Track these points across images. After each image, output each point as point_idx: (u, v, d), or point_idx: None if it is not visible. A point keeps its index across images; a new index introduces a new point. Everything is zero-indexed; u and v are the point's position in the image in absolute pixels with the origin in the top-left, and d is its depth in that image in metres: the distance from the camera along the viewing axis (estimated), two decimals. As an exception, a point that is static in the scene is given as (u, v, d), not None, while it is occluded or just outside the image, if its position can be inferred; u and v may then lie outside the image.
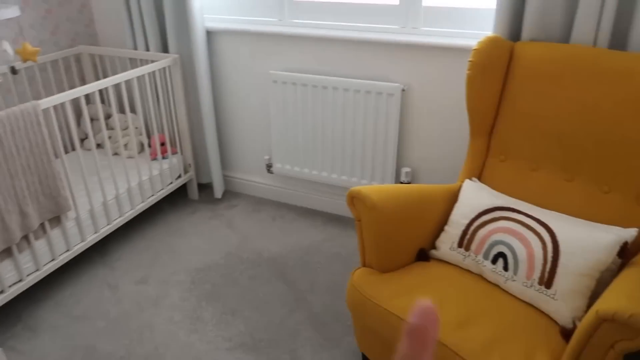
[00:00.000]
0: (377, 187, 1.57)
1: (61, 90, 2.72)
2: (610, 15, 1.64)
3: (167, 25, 2.47)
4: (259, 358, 1.78)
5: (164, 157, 2.63)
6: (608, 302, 1.10)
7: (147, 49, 2.59)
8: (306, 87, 2.36)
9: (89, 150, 2.72)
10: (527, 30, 1.79)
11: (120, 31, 2.78)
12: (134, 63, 2.68)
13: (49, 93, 2.66)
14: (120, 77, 2.22)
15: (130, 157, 2.62)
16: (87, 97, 2.84)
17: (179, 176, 2.69)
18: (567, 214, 1.58)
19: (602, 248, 1.37)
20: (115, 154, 2.67)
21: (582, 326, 1.13)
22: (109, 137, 2.71)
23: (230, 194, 2.88)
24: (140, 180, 2.41)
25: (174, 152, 2.69)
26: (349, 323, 1.93)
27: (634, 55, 1.54)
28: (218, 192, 2.78)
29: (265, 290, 2.11)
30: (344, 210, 2.63)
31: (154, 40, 2.53)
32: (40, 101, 1.87)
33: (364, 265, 1.60)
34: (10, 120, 1.77)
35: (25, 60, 2.05)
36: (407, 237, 1.61)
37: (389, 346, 1.49)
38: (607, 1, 1.63)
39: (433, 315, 0.63)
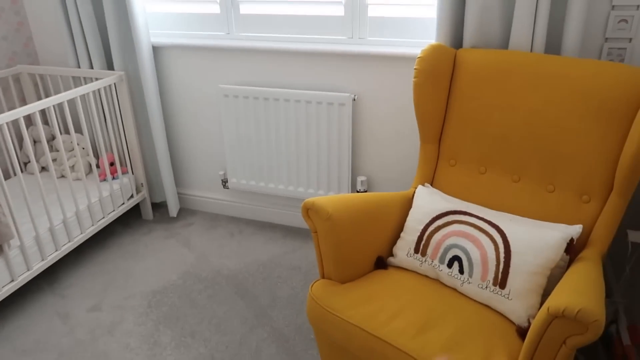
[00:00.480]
0: (332, 197, 1.57)
1: (0, 112, 2.59)
2: (544, 22, 1.72)
3: (111, 41, 2.40)
4: (221, 379, 1.74)
5: (114, 178, 2.54)
6: (558, 299, 1.13)
7: (91, 67, 2.51)
8: (257, 99, 2.34)
9: (32, 174, 2.59)
10: (468, 38, 1.84)
11: (61, 49, 2.69)
12: (77, 81, 2.59)
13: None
14: (63, 96, 2.14)
15: (77, 179, 2.52)
16: (29, 118, 2.72)
17: (131, 196, 2.61)
18: (516, 214, 1.63)
19: (550, 246, 1.41)
20: (62, 176, 2.56)
21: (534, 324, 1.16)
22: (54, 160, 2.60)
23: (185, 211, 2.82)
24: (89, 203, 2.32)
25: (125, 172, 2.61)
26: (312, 337, 1.91)
27: (567, 60, 1.61)
28: (173, 210, 2.71)
29: (225, 309, 2.07)
30: (303, 222, 2.61)
31: (97, 57, 2.46)
32: (-26, 125, 1.77)
33: (323, 277, 1.59)
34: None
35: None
36: (364, 246, 1.61)
37: (351, 358, 1.48)
38: (540, 9, 1.70)
39: None
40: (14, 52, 2.64)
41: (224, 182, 2.65)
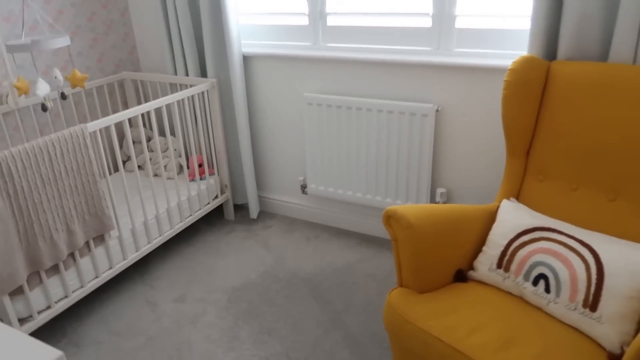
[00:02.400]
0: (413, 206, 1.58)
1: (105, 114, 2.85)
2: (651, 33, 1.62)
3: (206, 51, 2.56)
4: (295, 378, 1.79)
5: (201, 178, 2.70)
6: (658, 326, 1.06)
7: (187, 74, 2.69)
8: (340, 108, 2.40)
9: (131, 171, 2.81)
10: (563, 50, 1.78)
11: (160, 58, 2.91)
12: (173, 88, 2.79)
13: (94, 117, 2.78)
14: (161, 101, 2.31)
15: (169, 178, 2.70)
16: (130, 121, 2.96)
17: (216, 197, 2.76)
18: (610, 235, 1.54)
19: (649, 270, 1.33)
20: (156, 175, 2.76)
21: (629, 353, 1.10)
22: (150, 159, 2.81)
23: (265, 214, 2.93)
24: (179, 201, 2.48)
25: (211, 174, 2.76)
26: (386, 345, 1.91)
27: (677, 73, 1.51)
28: (253, 212, 2.83)
29: (300, 310, 2.12)
30: (379, 231, 2.62)
31: (193, 65, 2.63)
32: (87, 124, 1.96)
33: (401, 285, 1.59)
34: (60, 143, 1.86)
35: (74, 86, 2.17)
36: (444, 257, 1.60)
37: (427, 368, 1.47)
38: (646, 19, 1.61)
39: None
40: (120, 59, 2.90)
41: (303, 188, 2.73)
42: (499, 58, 2.06)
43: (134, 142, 2.87)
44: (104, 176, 2.11)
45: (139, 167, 2.87)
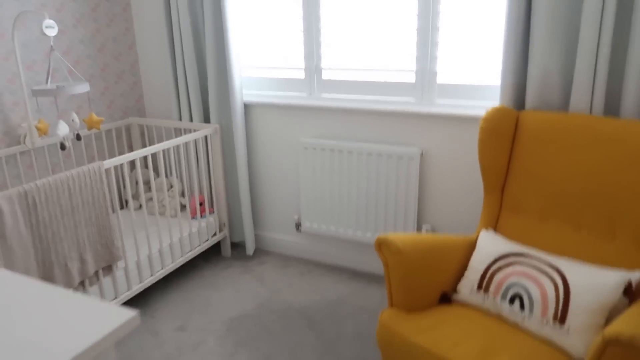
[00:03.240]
0: (402, 234, 1.77)
1: (112, 156, 3.03)
2: (602, 87, 1.89)
3: (210, 99, 2.80)
4: (292, 399, 1.89)
5: (202, 216, 2.86)
6: (613, 327, 1.25)
7: (191, 120, 2.91)
8: (333, 152, 2.62)
9: (138, 209, 2.96)
10: (529, 101, 2.05)
11: (165, 105, 3.14)
12: (177, 132, 3.00)
13: (102, 158, 2.96)
14: (170, 143, 2.51)
15: (172, 216, 2.86)
16: (132, 163, 3.14)
17: (215, 234, 2.91)
18: (575, 260, 1.74)
19: (608, 287, 1.52)
20: (154, 213, 2.91)
21: (590, 350, 1.27)
22: (155, 198, 2.97)
23: (260, 251, 3.08)
24: (181, 237, 2.63)
25: (211, 212, 2.93)
26: (377, 368, 2.04)
27: (625, 122, 1.77)
28: (250, 249, 2.98)
29: (296, 339, 2.24)
30: (368, 266, 2.79)
31: (197, 112, 2.86)
32: (104, 162, 2.15)
33: (391, 305, 1.76)
34: (80, 177, 2.04)
35: (90, 128, 2.36)
36: (430, 281, 1.77)
37: (416, 381, 1.61)
38: (598, 74, 1.89)
39: None
40: (127, 106, 3.12)
41: (298, 226, 2.90)
42: (475, 108, 2.33)
43: (137, 183, 3.04)
44: (114, 211, 2.26)
45: (141, 206, 3.03)
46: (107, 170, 2.23)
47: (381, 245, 1.74)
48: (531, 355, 1.49)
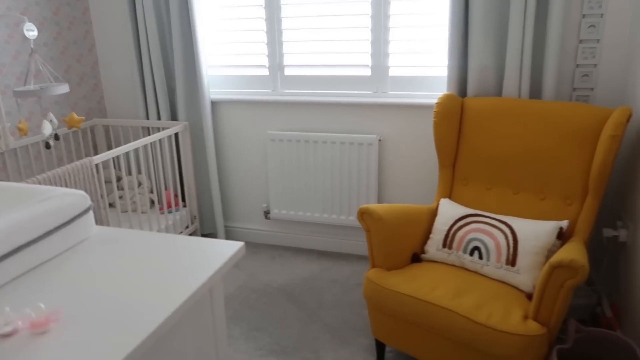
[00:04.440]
0: (380, 205, 2.06)
1: (79, 157, 3.07)
2: (527, 77, 2.31)
3: (178, 98, 2.95)
4: (289, 359, 2.13)
5: (174, 210, 2.99)
6: (556, 256, 1.62)
7: (159, 118, 3.04)
8: (299, 142, 2.88)
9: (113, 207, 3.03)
10: (470, 90, 2.43)
11: (128, 105, 3.23)
12: (144, 131, 3.11)
13: (70, 160, 3.00)
14: (146, 140, 2.64)
15: (143, 212, 2.97)
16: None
17: (187, 227, 3.06)
18: (518, 217, 2.13)
19: (546, 232, 1.91)
20: (126, 211, 3.01)
21: (541, 275, 1.64)
22: (126, 196, 3.06)
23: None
24: (155, 231, 2.76)
25: (183, 206, 3.07)
26: (359, 327, 2.32)
27: (547, 102, 2.19)
28: (221, 239, 3.15)
29: (280, 312, 2.47)
30: (335, 246, 3.07)
31: (165, 110, 2.99)
32: (93, 157, 2.25)
33: (374, 266, 2.05)
34: (74, 173, 2.13)
35: (70, 127, 2.44)
36: (403, 243, 2.09)
37: (403, 326, 1.91)
38: (524, 68, 2.30)
39: None
40: (90, 107, 3.17)
41: (267, 213, 3.12)
42: (424, 98, 2.68)
43: (106, 182, 3.11)
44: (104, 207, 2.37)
45: (111, 204, 3.10)
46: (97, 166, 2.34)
47: (364, 214, 2.03)
48: (494, 292, 1.84)
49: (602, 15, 2.29)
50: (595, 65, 2.36)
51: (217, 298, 1.11)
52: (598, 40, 2.33)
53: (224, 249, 1.11)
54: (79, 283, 0.99)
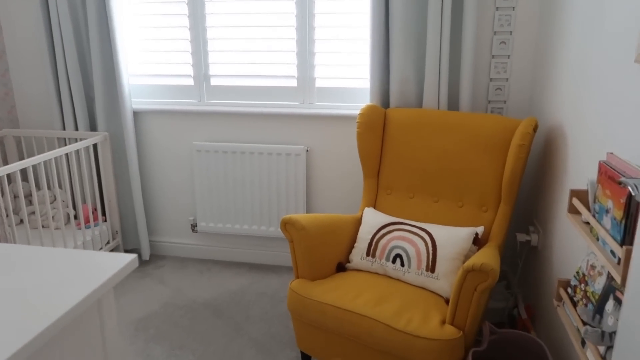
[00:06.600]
0: (303, 215, 2.05)
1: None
2: (445, 90, 2.41)
3: (97, 107, 2.81)
4: (212, 377, 2.05)
5: (92, 225, 2.83)
6: (469, 261, 1.67)
7: (76, 129, 2.88)
8: (226, 153, 2.83)
9: (18, 223, 2.82)
10: (393, 100, 2.49)
11: (42, 114, 3.04)
12: (60, 141, 2.93)
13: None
14: (57, 152, 2.49)
15: (57, 228, 2.79)
16: (9, 177, 2.98)
17: (108, 242, 2.90)
18: (438, 224, 2.19)
19: (462, 239, 1.98)
20: (43, 226, 2.82)
21: (456, 280, 1.68)
22: (37, 211, 2.86)
23: (156, 256, 3.13)
24: (74, 246, 2.60)
25: (103, 220, 2.91)
26: (285, 340, 2.29)
27: (463, 114, 2.28)
28: (145, 255, 3.02)
29: (205, 328, 2.39)
30: (264, 258, 3.02)
31: (82, 120, 2.85)
32: (-5, 170, 2.09)
33: (297, 277, 2.03)
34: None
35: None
36: (328, 253, 2.08)
37: (326, 337, 1.90)
38: (441, 81, 2.40)
39: None
40: (0, 118, 2.96)
41: (193, 227, 3.03)
42: (349, 109, 2.72)
43: (16, 197, 2.90)
44: None
45: (22, 220, 2.89)
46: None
47: (287, 224, 2.01)
48: (414, 298, 1.87)
49: (511, 32, 2.43)
50: (507, 79, 2.50)
51: (107, 312, 1.05)
52: (508, 56, 2.47)
53: (114, 262, 1.05)
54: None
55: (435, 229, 2.07)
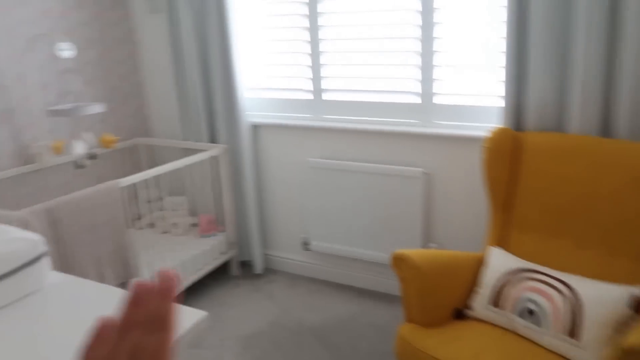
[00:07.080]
0: (417, 250, 1.84)
1: (118, 175, 3.07)
2: (595, 110, 1.99)
3: (218, 121, 2.87)
4: (310, 415, 1.93)
5: (211, 235, 2.90)
6: (629, 339, 1.32)
7: (198, 140, 2.97)
8: (339, 172, 2.70)
9: (146, 227, 2.99)
10: (529, 122, 2.14)
11: (171, 126, 3.19)
12: (184, 152, 3.05)
13: (109, 178, 3.00)
14: (183, 162, 2.58)
15: (181, 234, 2.90)
16: (145, 182, 3.18)
17: (224, 252, 2.95)
18: (581, 276, 1.83)
19: (615, 299, 1.61)
20: (166, 232, 2.95)
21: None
22: (164, 217, 3.01)
23: (268, 270, 3.12)
24: (191, 255, 2.67)
25: (221, 231, 2.97)
26: (391, 383, 2.09)
27: (620, 143, 1.87)
28: (258, 268, 3.02)
29: (311, 357, 2.28)
30: (375, 285, 2.84)
31: (205, 133, 2.93)
32: (119, 180, 2.19)
33: (408, 321, 1.82)
34: (98, 196, 2.08)
35: (105, 147, 2.41)
36: (444, 296, 1.84)
37: (435, 394, 1.66)
38: (590, 101, 1.99)
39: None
40: (133, 127, 3.17)
41: (306, 245, 2.96)
42: (474, 129, 2.40)
43: (148, 202, 3.08)
44: (130, 229, 2.30)
45: (152, 224, 3.06)
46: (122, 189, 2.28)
47: (398, 261, 1.81)
48: (546, 367, 1.56)
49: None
50: (683, 99, 2.01)
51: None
52: (689, 71, 1.98)
53: (182, 318, 0.96)
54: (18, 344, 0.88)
55: (578, 283, 1.71)
